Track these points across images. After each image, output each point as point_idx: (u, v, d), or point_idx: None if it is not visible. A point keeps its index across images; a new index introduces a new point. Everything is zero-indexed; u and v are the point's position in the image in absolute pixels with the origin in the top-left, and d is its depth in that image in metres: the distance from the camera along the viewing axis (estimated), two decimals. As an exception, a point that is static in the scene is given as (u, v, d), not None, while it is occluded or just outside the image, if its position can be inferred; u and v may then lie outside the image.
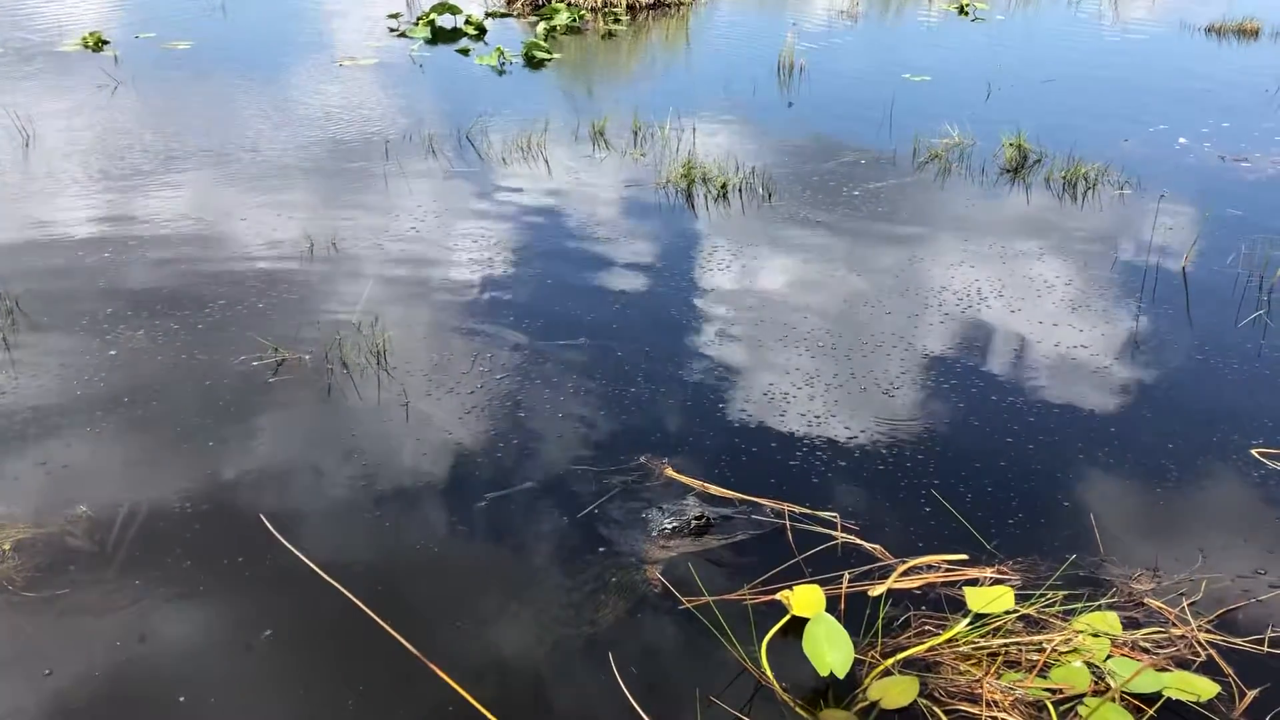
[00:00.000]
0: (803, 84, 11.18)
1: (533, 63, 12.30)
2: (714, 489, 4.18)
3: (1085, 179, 7.72)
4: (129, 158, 8.41)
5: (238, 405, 4.80)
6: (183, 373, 5.06)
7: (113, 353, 5.23)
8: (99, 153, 8.55)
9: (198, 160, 8.38)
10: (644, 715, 3.07)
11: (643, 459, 4.40)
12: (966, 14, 15.72)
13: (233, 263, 6.35)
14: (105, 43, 12.92)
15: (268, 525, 3.77)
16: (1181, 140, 8.83)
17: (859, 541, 3.88)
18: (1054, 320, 5.61)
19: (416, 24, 14.32)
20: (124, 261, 6.34)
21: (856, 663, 3.28)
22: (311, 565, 3.20)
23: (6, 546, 3.79)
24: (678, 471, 4.30)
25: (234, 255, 6.47)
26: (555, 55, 12.62)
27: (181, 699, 3.22)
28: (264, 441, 4.56)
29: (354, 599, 2.92)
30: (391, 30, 14.22)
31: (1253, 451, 4.45)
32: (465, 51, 12.94)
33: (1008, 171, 8.05)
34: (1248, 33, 13.95)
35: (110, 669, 3.33)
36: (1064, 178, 7.76)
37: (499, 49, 12.40)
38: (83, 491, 4.16)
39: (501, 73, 11.84)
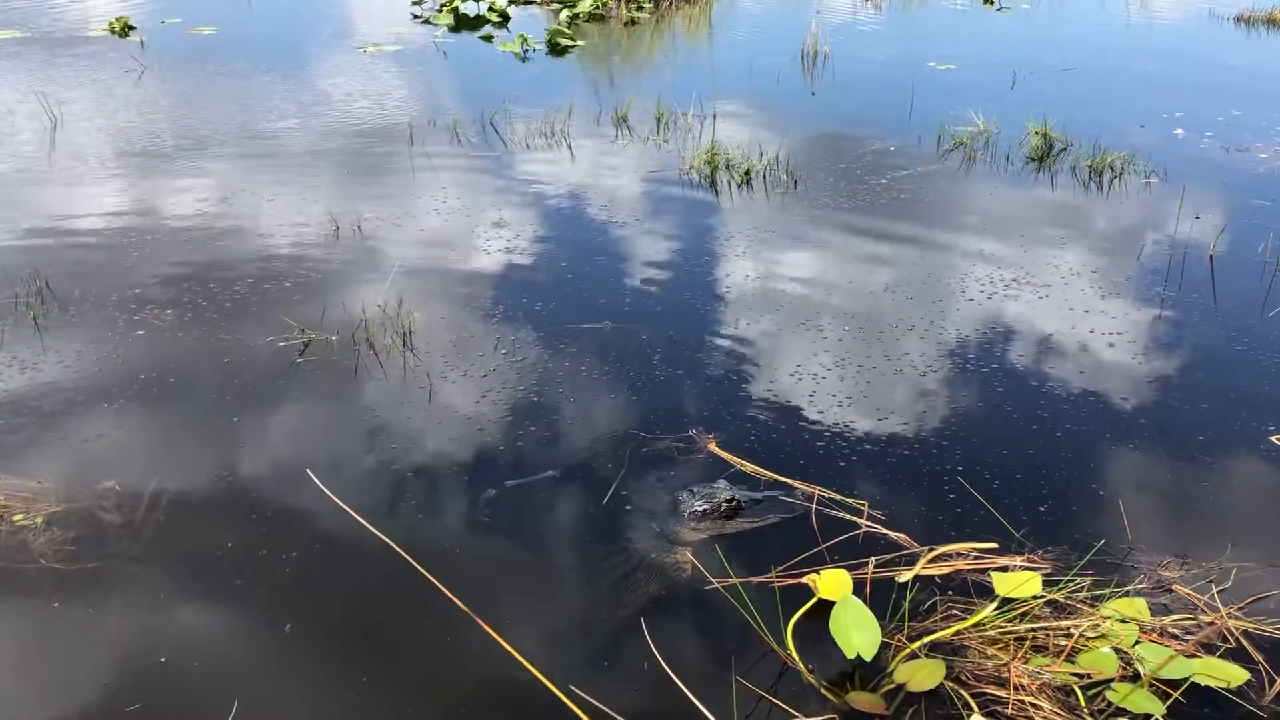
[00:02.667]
0: (827, 72, 11.14)
1: (556, 49, 12.29)
2: (750, 466, 4.20)
3: (1111, 168, 7.67)
4: (155, 142, 8.47)
5: (265, 384, 4.83)
6: (210, 352, 5.10)
7: (140, 332, 5.27)
8: (126, 137, 8.61)
9: (223, 144, 8.43)
10: (682, 685, 3.08)
11: (682, 435, 4.43)
12: (992, 3, 15.61)
13: (258, 245, 6.39)
14: (132, 28, 12.99)
15: (317, 482, 3.81)
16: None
17: (885, 531, 3.87)
18: (1081, 308, 5.57)
19: (440, 10, 14.33)
20: (151, 243, 6.38)
21: (883, 646, 3.28)
22: (367, 524, 3.21)
23: (39, 520, 3.84)
24: (720, 448, 4.33)
25: (260, 238, 6.50)
26: (578, 42, 12.60)
27: (215, 668, 3.25)
28: (292, 419, 4.59)
29: (404, 553, 2.94)
30: (415, 17, 14.24)
31: (1273, 439, 4.43)
32: (488, 38, 12.94)
33: (1033, 160, 7.99)
34: (1277, 23, 13.79)
35: (141, 640, 3.36)
36: (1090, 166, 7.70)
37: (522, 35, 12.39)
38: (112, 466, 4.20)
39: (524, 59, 11.84)
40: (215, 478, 4.15)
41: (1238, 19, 14.07)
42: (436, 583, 3.20)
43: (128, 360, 5.01)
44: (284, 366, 4.98)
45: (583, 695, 3.07)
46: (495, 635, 3.07)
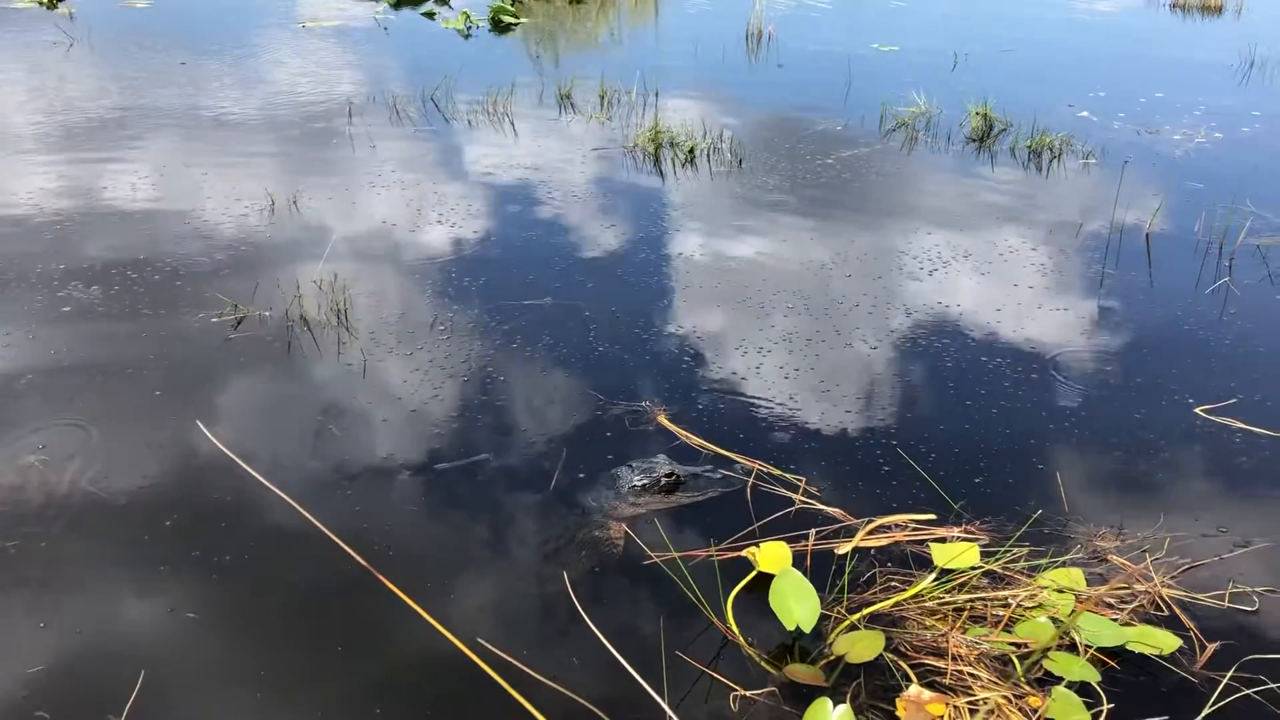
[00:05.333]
0: (771, 52, 11.12)
1: (499, 27, 12.15)
2: (695, 440, 4.16)
3: (1050, 149, 7.74)
4: (84, 116, 8.21)
5: (196, 360, 4.70)
6: (139, 328, 4.95)
7: (66, 309, 5.11)
8: (52, 111, 8.35)
9: (156, 119, 8.20)
10: (622, 659, 3.04)
11: (632, 408, 4.40)
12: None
13: (191, 221, 6.22)
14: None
15: (235, 460, 3.70)
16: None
17: (822, 506, 3.86)
18: (1023, 285, 5.62)
19: (381, -14, 14.07)
20: (78, 220, 6.18)
21: (822, 618, 3.27)
22: (293, 502, 3.13)
23: (-45, 501, 3.70)
24: (669, 421, 4.29)
25: (193, 214, 6.33)
26: (522, 20, 12.47)
27: (127, 641, 3.16)
28: (222, 394, 4.47)
29: (325, 529, 2.87)
30: (355, -7, 13.98)
31: (1199, 411, 4.49)
32: (430, 15, 12.75)
33: (973, 140, 8.05)
34: (1210, 9, 14.05)
35: (54, 614, 3.25)
36: (1029, 147, 7.77)
37: (465, 13, 12.23)
38: (34, 444, 4.06)
39: (467, 36, 11.68)
40: (140, 456, 4.03)
41: (1173, 5, 14.30)
42: (362, 560, 3.12)
43: (53, 337, 4.85)
44: (216, 343, 4.85)
45: (522, 668, 3.02)
46: (419, 608, 3.00)
